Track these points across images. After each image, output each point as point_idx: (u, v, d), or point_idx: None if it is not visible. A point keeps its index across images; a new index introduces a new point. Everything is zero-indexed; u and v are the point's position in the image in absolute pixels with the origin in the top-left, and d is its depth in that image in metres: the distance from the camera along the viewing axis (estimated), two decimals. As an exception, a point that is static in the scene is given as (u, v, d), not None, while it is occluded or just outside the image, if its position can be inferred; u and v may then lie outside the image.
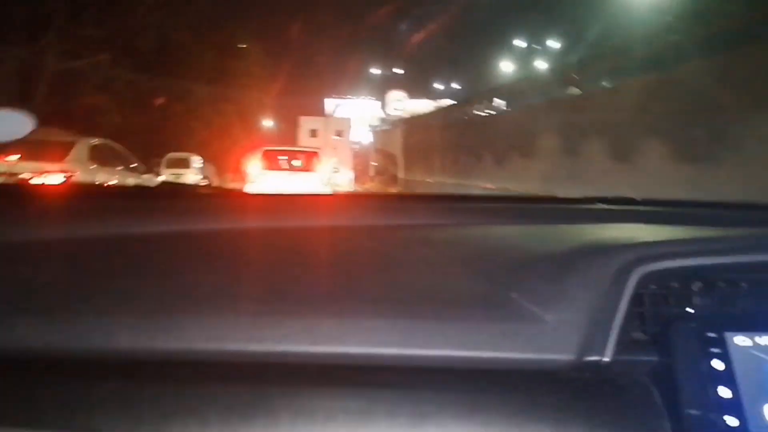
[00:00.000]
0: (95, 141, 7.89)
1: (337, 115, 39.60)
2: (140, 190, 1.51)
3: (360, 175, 27.70)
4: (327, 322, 0.60)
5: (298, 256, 0.75)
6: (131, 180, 8.42)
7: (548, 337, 0.59)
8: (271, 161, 11.32)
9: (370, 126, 39.53)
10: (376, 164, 30.69)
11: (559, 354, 0.59)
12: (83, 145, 7.52)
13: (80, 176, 7.13)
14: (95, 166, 7.54)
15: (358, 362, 0.59)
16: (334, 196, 1.89)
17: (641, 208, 1.12)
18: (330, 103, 42.50)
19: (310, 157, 11.74)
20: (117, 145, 8.55)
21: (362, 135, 37.30)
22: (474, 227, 0.89)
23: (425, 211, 1.00)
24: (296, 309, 0.62)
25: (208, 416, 0.54)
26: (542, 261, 0.70)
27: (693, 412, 0.55)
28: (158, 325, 0.60)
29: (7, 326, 0.60)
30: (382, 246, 0.78)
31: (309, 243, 0.79)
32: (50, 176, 6.73)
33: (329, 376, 0.58)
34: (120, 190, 1.77)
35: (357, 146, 33.30)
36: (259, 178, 10.67)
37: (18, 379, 0.58)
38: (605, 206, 1.11)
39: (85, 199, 1.01)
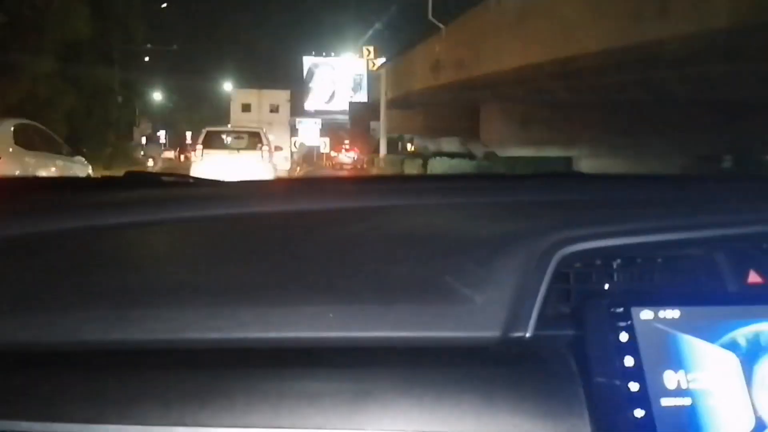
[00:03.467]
0: (19, 121, 7.23)
1: (320, 75, 34.99)
2: (101, 181, 1.54)
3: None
4: (276, 310, 0.65)
5: (247, 245, 0.79)
6: (60, 164, 7.79)
7: (477, 316, 0.66)
8: (215, 141, 11.82)
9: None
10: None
11: (487, 331, 0.66)
12: (5, 126, 6.86)
13: (4, 161, 6.53)
14: (19, 149, 6.91)
15: (306, 345, 0.65)
16: (279, 181, 1.96)
17: (580, 184, 1.19)
18: (307, 62, 37.14)
19: (252, 137, 12.16)
20: (41, 127, 7.89)
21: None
22: (413, 211, 0.93)
23: (367, 193, 1.03)
24: (248, 298, 0.67)
25: (170, 400, 0.59)
26: (474, 244, 0.76)
27: (601, 379, 0.62)
28: (121, 317, 0.64)
29: None
30: (323, 231, 0.83)
31: (256, 231, 0.83)
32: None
33: (279, 360, 0.63)
34: (82, 182, 1.81)
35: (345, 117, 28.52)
36: (204, 158, 11.23)
37: None
38: (546, 183, 1.19)
39: (46, 191, 1.03)
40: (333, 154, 26.58)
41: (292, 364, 0.63)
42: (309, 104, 33.00)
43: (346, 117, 35.61)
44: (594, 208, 0.92)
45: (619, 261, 0.74)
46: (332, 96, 37.01)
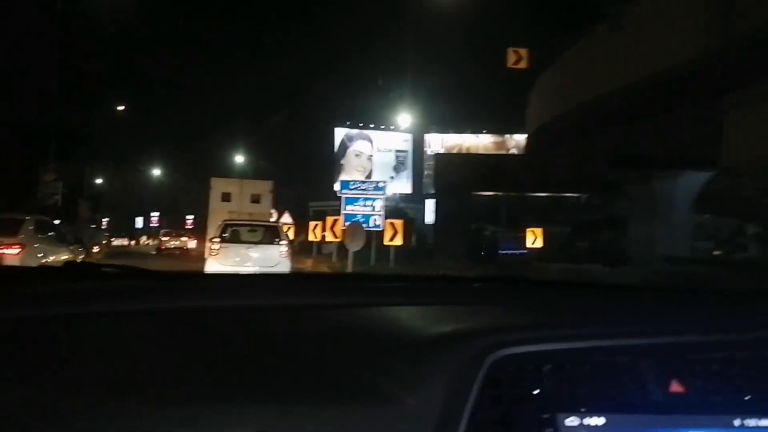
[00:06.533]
0: (38, 217, 9.30)
1: (354, 150, 30.60)
2: (43, 270, 1.60)
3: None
4: (210, 410, 0.68)
5: (182, 341, 0.81)
6: (63, 250, 9.79)
7: (408, 418, 0.69)
8: (231, 234, 11.44)
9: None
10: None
11: None
12: (31, 221, 8.90)
13: (29, 249, 8.49)
14: (39, 237, 8.93)
15: None
16: (218, 276, 1.94)
17: (514, 289, 1.27)
18: (339, 134, 31.87)
19: (269, 230, 11.92)
20: (49, 220, 9.90)
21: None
22: (355, 308, 0.98)
23: (312, 290, 1.08)
24: (181, 395, 0.69)
25: None
26: (410, 345, 0.80)
27: None
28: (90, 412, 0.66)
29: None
30: (258, 328, 0.87)
31: (192, 325, 0.87)
32: (7, 249, 8.08)
33: None
34: (28, 271, 1.75)
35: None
36: (220, 251, 10.78)
37: None
38: (482, 286, 1.26)
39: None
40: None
41: None
42: (339, 185, 28.68)
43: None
44: (526, 313, 0.97)
45: (549, 366, 0.76)
46: (369, 177, 30.53)
